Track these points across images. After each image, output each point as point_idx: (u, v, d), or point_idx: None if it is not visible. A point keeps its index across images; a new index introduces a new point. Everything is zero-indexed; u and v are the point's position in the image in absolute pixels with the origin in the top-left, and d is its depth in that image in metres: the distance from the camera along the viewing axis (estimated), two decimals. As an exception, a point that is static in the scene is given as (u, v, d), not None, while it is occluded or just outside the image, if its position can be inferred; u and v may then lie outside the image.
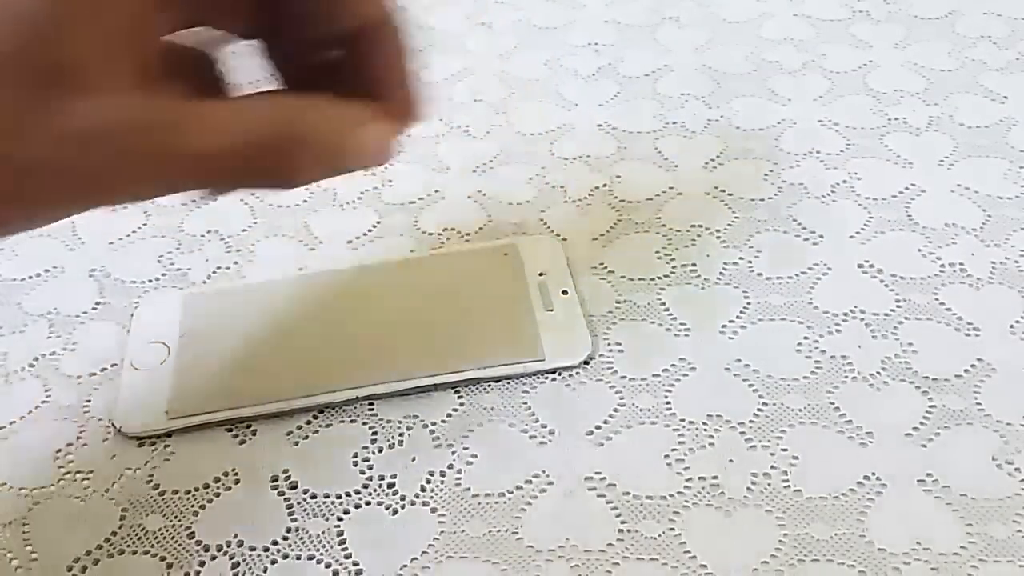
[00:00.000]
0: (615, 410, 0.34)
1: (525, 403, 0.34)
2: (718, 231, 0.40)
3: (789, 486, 0.31)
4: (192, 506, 0.32)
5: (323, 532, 0.31)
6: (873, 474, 0.31)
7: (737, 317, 0.37)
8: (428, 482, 0.32)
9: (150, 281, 0.40)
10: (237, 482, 0.33)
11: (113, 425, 0.34)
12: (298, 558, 0.31)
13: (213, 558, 0.31)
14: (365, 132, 0.26)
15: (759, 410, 0.34)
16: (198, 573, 0.30)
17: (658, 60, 0.50)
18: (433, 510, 0.32)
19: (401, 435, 0.34)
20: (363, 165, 0.26)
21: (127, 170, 0.22)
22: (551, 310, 0.37)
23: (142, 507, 0.32)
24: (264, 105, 0.25)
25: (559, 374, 0.35)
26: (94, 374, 0.37)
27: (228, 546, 0.31)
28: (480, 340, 0.36)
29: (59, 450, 0.34)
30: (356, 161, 0.26)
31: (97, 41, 0.21)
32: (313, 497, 0.32)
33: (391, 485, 0.32)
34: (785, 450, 0.32)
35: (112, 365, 0.37)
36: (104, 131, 0.21)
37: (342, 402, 0.34)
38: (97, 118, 0.21)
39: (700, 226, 0.40)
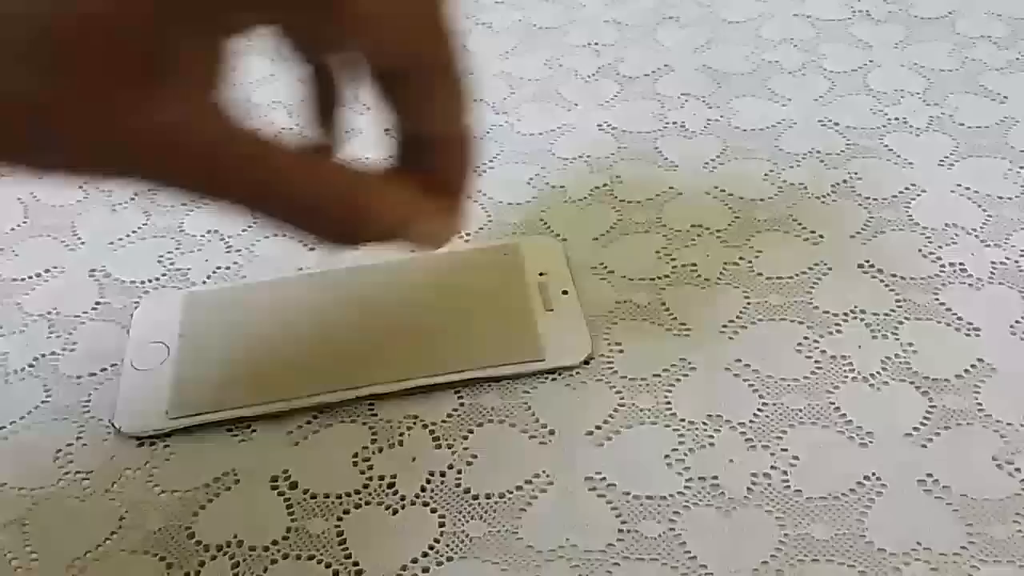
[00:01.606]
0: (615, 410, 0.34)
1: (525, 403, 0.34)
2: (718, 231, 0.40)
3: (789, 486, 0.31)
4: (192, 506, 0.32)
5: (323, 532, 0.31)
6: (873, 474, 0.31)
7: (737, 317, 0.37)
8: (428, 482, 0.32)
9: (150, 281, 0.40)
10: (237, 482, 0.33)
11: (113, 425, 0.34)
12: (298, 558, 0.31)
13: (213, 558, 0.31)
14: (421, 223, 0.28)
15: (759, 410, 0.34)
16: (198, 573, 0.30)
17: (658, 60, 0.50)
18: (433, 510, 0.32)
19: (401, 435, 0.34)
20: (413, 246, 0.28)
21: (176, 172, 0.23)
22: (551, 310, 0.37)
23: (142, 507, 0.32)
24: (340, 170, 0.26)
25: (559, 374, 0.35)
26: (94, 374, 0.37)
27: (228, 546, 0.31)
28: (480, 340, 0.36)
29: (59, 450, 0.34)
30: (408, 242, 0.28)
31: (185, 36, 0.22)
32: (313, 497, 0.32)
33: (391, 485, 0.32)
34: (785, 450, 0.32)
35: (112, 365, 0.37)
36: (177, 129, 0.22)
37: (342, 402, 0.34)
38: (176, 115, 0.22)
39: (700, 226, 0.40)
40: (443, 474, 0.32)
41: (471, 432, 0.34)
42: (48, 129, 0.22)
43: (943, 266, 0.38)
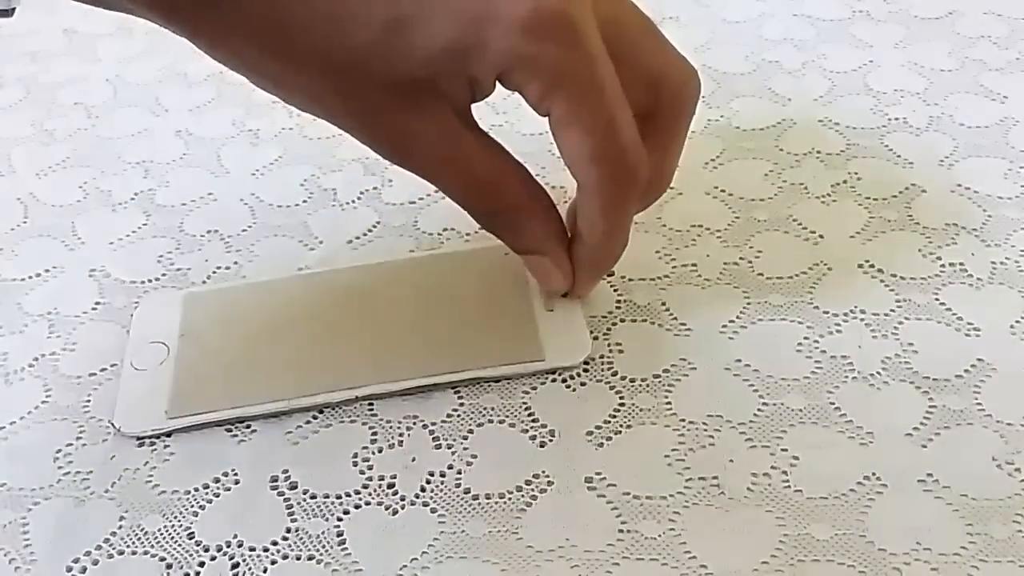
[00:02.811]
0: (615, 410, 0.34)
1: (525, 403, 0.34)
2: (718, 231, 0.40)
3: (789, 486, 0.31)
4: (192, 506, 0.32)
5: (323, 532, 0.31)
6: (873, 474, 0.31)
7: (737, 317, 0.37)
8: (428, 482, 0.32)
9: (150, 281, 0.40)
10: (237, 482, 0.33)
11: (113, 425, 0.34)
12: (298, 558, 0.31)
13: (213, 558, 0.31)
14: (543, 264, 0.35)
15: (759, 410, 0.33)
16: (198, 573, 0.30)
17: (658, 60, 0.50)
18: (433, 510, 0.32)
19: (401, 435, 0.34)
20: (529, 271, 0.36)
21: (411, 165, 0.33)
22: (551, 310, 0.37)
23: (142, 507, 0.32)
24: (522, 189, 0.34)
25: (559, 374, 0.35)
26: (94, 374, 0.37)
27: (228, 546, 0.31)
28: (480, 340, 0.36)
29: (59, 450, 0.34)
30: (526, 265, 0.36)
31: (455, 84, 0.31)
32: (313, 497, 0.32)
33: (391, 485, 0.32)
34: (785, 450, 0.32)
35: (112, 365, 0.37)
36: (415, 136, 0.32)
37: (342, 402, 0.34)
38: (419, 127, 0.32)
39: (700, 226, 0.40)
40: (443, 474, 0.32)
41: (471, 432, 0.34)
42: (343, 125, 0.33)
43: (943, 266, 0.38)
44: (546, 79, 0.30)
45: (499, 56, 0.30)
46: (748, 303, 0.37)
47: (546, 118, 0.31)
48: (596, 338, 0.36)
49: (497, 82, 0.31)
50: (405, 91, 0.31)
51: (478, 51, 0.30)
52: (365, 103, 0.31)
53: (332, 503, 0.32)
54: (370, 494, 0.32)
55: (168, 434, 0.34)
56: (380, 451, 0.33)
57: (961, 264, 0.38)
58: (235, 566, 0.31)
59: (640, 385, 0.35)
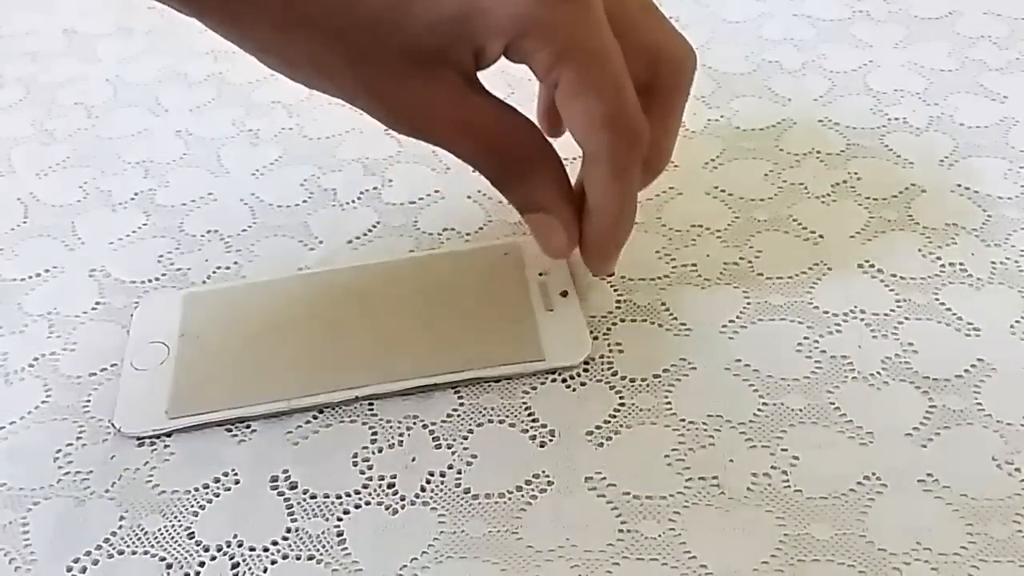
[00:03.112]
0: (615, 410, 0.34)
1: (525, 403, 0.34)
2: (718, 231, 0.40)
3: (789, 486, 0.31)
4: (192, 506, 0.32)
5: (323, 532, 0.31)
6: (873, 474, 0.31)
7: (737, 317, 0.37)
8: (428, 482, 0.32)
9: (150, 281, 0.40)
10: (237, 482, 0.33)
11: (113, 425, 0.34)
12: (298, 558, 0.31)
13: (213, 558, 0.31)
14: (548, 225, 0.34)
15: (759, 410, 0.33)
16: (198, 573, 0.30)
17: (658, 60, 0.50)
18: (433, 510, 0.32)
19: (401, 435, 0.34)
20: (528, 231, 0.36)
21: (422, 132, 0.33)
22: (551, 310, 0.37)
23: (142, 507, 0.32)
24: (523, 130, 0.34)
25: (559, 374, 0.35)
26: (94, 374, 0.37)
27: (228, 546, 0.31)
28: (480, 340, 0.36)
29: (59, 450, 0.34)
30: (529, 224, 0.35)
31: (462, 48, 0.31)
32: (313, 497, 0.32)
33: (391, 485, 0.32)
34: (785, 450, 0.32)
35: (112, 365, 0.37)
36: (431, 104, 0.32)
37: (342, 402, 0.34)
38: (432, 94, 0.32)
39: (700, 226, 0.40)
40: (443, 474, 0.32)
41: (471, 432, 0.34)
42: (354, 100, 0.33)
43: (943, 266, 0.38)
44: (557, 46, 0.30)
45: (508, 22, 0.30)
46: (748, 303, 0.37)
47: (553, 89, 0.31)
48: (596, 338, 0.36)
49: (503, 56, 0.31)
50: (414, 59, 0.31)
51: (485, 18, 0.30)
52: (375, 71, 0.31)
53: (332, 503, 0.32)
54: (370, 494, 0.32)
55: (168, 434, 0.34)
56: (380, 451, 0.33)
57: (961, 264, 0.38)
58: (235, 566, 0.31)
59: (640, 385, 0.35)
